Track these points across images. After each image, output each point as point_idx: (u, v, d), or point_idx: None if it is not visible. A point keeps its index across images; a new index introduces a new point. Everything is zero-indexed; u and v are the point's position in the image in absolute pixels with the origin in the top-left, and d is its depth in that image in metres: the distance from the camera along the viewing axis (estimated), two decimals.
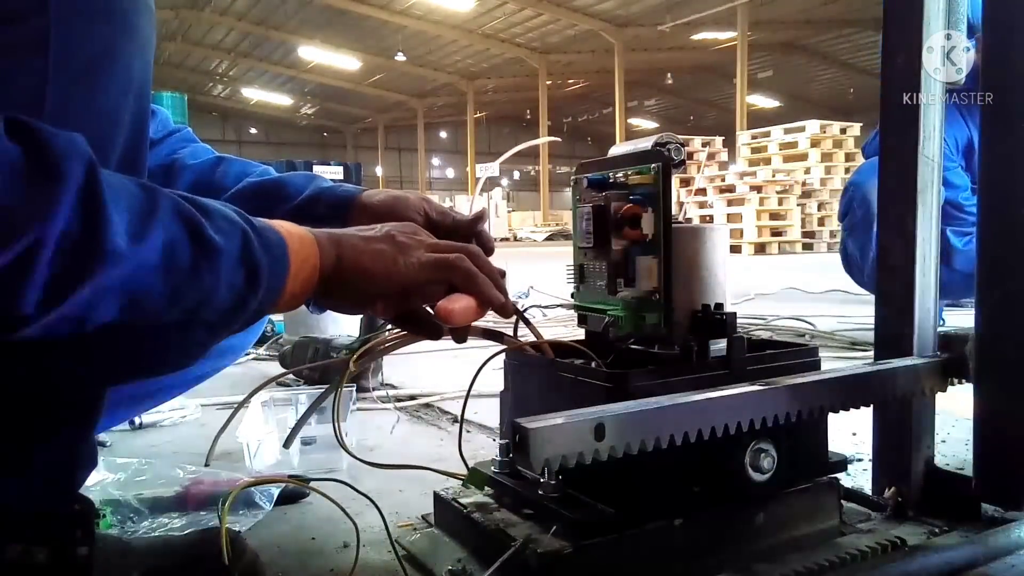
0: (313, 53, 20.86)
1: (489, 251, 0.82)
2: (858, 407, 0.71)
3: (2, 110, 0.43)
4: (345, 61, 21.35)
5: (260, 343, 2.15)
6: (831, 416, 0.73)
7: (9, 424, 0.54)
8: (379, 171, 28.67)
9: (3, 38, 0.48)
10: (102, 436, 1.26)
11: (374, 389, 1.64)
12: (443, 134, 32.65)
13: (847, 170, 9.03)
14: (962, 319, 0.84)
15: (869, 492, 0.85)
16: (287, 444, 0.72)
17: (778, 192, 9.02)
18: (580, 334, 0.82)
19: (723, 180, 9.62)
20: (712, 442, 0.61)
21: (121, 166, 0.55)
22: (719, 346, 0.71)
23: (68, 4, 0.50)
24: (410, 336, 0.71)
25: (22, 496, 0.57)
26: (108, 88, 0.53)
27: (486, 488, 0.78)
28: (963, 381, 0.77)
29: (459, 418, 0.78)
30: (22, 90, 0.49)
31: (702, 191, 9.57)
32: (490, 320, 0.72)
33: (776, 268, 5.86)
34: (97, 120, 0.53)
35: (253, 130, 32.07)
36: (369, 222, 0.80)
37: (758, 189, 9.06)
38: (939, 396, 0.80)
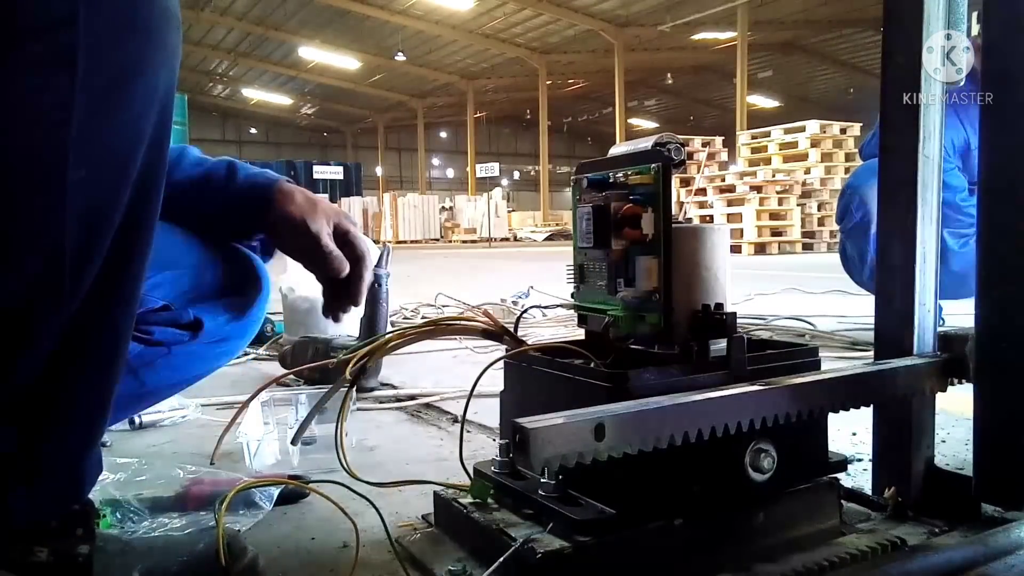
0: (313, 53, 20.88)
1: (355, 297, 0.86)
2: (858, 407, 0.71)
3: (25, 127, 0.43)
4: (345, 61, 21.37)
5: (260, 343, 2.15)
6: (831, 416, 0.73)
7: (16, 433, 0.54)
8: (379, 171, 28.69)
9: (28, 53, 0.47)
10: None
11: (374, 389, 1.64)
12: (443, 134, 32.68)
13: (847, 170, 9.04)
14: (962, 319, 0.84)
15: (869, 492, 0.85)
16: (295, 441, 0.72)
17: (778, 192, 9.02)
18: (580, 334, 0.82)
19: (723, 180, 9.62)
20: (712, 442, 0.61)
21: (141, 177, 0.54)
22: (719, 346, 0.71)
23: (99, 18, 0.48)
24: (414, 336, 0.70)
25: (29, 507, 0.57)
26: (133, 101, 0.52)
27: (470, 476, 0.78)
28: (963, 381, 0.77)
29: (461, 423, 0.77)
30: (46, 106, 0.48)
31: (702, 191, 9.57)
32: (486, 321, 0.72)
33: (776, 268, 5.86)
34: (121, 133, 0.52)
35: (253, 130, 32.09)
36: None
37: (758, 189, 9.06)
38: (939, 396, 0.80)
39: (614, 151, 0.79)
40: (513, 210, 21.11)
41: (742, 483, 0.69)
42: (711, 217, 9.04)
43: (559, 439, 0.53)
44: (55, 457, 0.57)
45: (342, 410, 0.68)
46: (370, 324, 1.59)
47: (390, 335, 0.73)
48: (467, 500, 0.78)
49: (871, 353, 0.84)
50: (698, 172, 9.55)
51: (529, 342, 0.80)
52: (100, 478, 0.96)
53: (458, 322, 0.78)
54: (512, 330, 0.78)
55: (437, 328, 0.74)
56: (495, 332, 0.76)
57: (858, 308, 2.68)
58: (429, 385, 1.68)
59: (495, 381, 0.83)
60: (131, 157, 0.53)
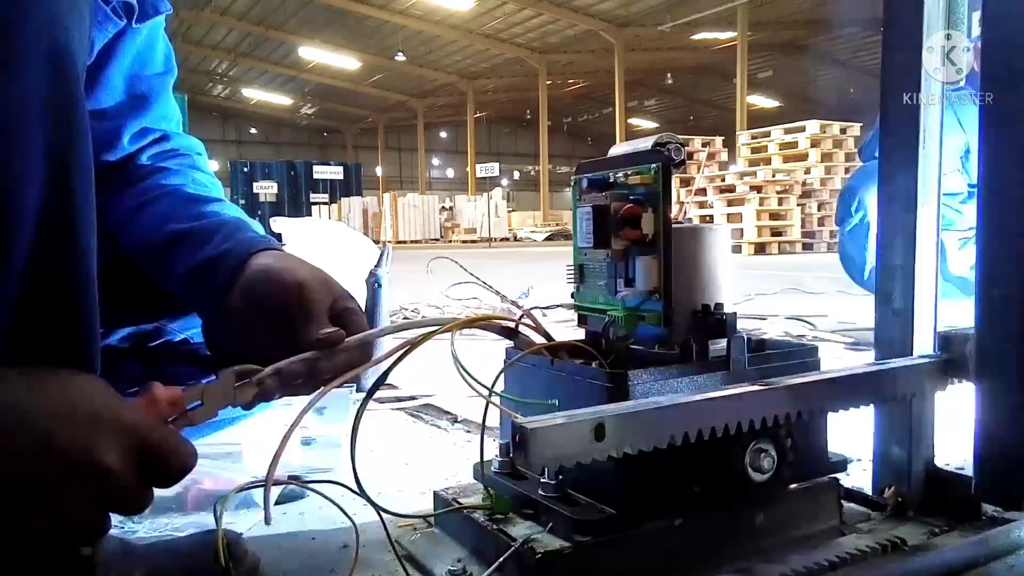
0: (313, 53, 20.89)
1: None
2: (858, 407, 0.71)
3: None
4: (345, 61, 21.39)
5: None
6: (831, 416, 0.73)
7: None
8: (379, 171, 28.69)
9: None
10: None
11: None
12: (443, 134, 32.69)
13: (847, 170, 9.04)
14: (962, 319, 0.84)
15: (869, 492, 0.85)
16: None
17: (778, 192, 9.02)
18: (580, 334, 0.82)
19: (723, 180, 9.62)
20: (712, 442, 0.61)
21: (48, 160, 0.48)
22: (719, 346, 0.71)
23: None
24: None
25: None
26: (11, 66, 0.46)
27: (488, 490, 0.78)
28: (963, 381, 0.77)
29: (481, 430, 0.76)
30: None
31: (702, 191, 9.57)
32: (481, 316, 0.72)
33: (776, 268, 5.86)
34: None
35: (253, 130, 32.11)
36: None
37: (758, 189, 9.06)
38: (939, 396, 0.80)
39: (614, 151, 0.79)
40: (513, 210, 21.11)
41: (742, 483, 0.68)
42: (711, 217, 9.04)
43: (559, 439, 0.53)
44: None
45: (357, 421, 0.67)
46: (369, 324, 1.59)
47: (430, 329, 0.69)
48: (467, 500, 0.78)
49: (871, 353, 0.84)
50: (698, 172, 9.55)
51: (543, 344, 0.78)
52: None
53: (492, 319, 0.75)
54: (534, 330, 0.76)
55: (469, 322, 0.72)
56: (510, 328, 0.74)
57: (858, 308, 2.68)
58: (429, 385, 1.68)
59: (499, 384, 0.83)
60: (22, 134, 0.47)
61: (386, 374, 0.63)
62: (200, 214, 0.74)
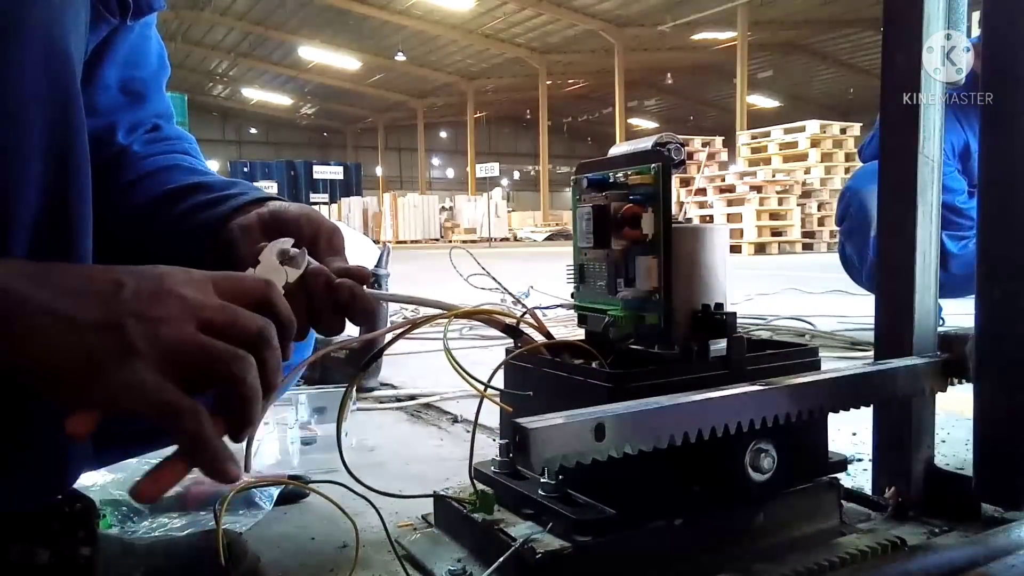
0: (313, 53, 20.89)
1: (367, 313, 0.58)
2: (858, 407, 0.71)
3: None
4: (345, 61, 21.39)
5: None
6: (831, 416, 0.73)
7: None
8: (379, 171, 28.69)
9: None
10: None
11: (374, 389, 1.64)
12: (443, 134, 32.69)
13: (847, 170, 9.04)
14: (962, 319, 0.84)
15: (869, 492, 0.85)
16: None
17: (778, 192, 9.02)
18: (580, 334, 0.82)
19: (723, 180, 9.62)
20: (712, 442, 0.61)
21: (47, 159, 0.48)
22: (719, 346, 0.71)
23: None
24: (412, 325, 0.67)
25: (13, 494, 0.54)
26: (10, 66, 0.46)
27: (486, 489, 0.78)
28: (963, 381, 0.77)
29: (473, 430, 0.76)
30: None
31: (702, 191, 9.57)
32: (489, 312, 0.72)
33: (776, 268, 5.86)
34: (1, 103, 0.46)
35: (253, 130, 32.11)
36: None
37: (758, 189, 9.06)
38: (939, 396, 0.80)
39: (614, 151, 0.79)
40: (513, 210, 21.11)
41: (742, 483, 0.69)
42: (711, 217, 9.04)
43: (559, 439, 0.53)
44: (35, 442, 0.53)
45: (342, 409, 0.67)
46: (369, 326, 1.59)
47: (432, 312, 0.66)
48: (467, 499, 0.78)
49: (871, 353, 0.84)
50: (698, 172, 9.55)
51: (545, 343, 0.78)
52: (100, 478, 0.96)
53: (496, 314, 0.75)
54: (534, 329, 0.76)
55: (471, 313, 0.72)
56: (514, 328, 0.74)
57: (858, 308, 2.68)
58: (429, 385, 1.68)
59: (495, 379, 0.83)
60: (23, 132, 0.48)
61: (382, 350, 0.63)
62: (200, 178, 0.71)
